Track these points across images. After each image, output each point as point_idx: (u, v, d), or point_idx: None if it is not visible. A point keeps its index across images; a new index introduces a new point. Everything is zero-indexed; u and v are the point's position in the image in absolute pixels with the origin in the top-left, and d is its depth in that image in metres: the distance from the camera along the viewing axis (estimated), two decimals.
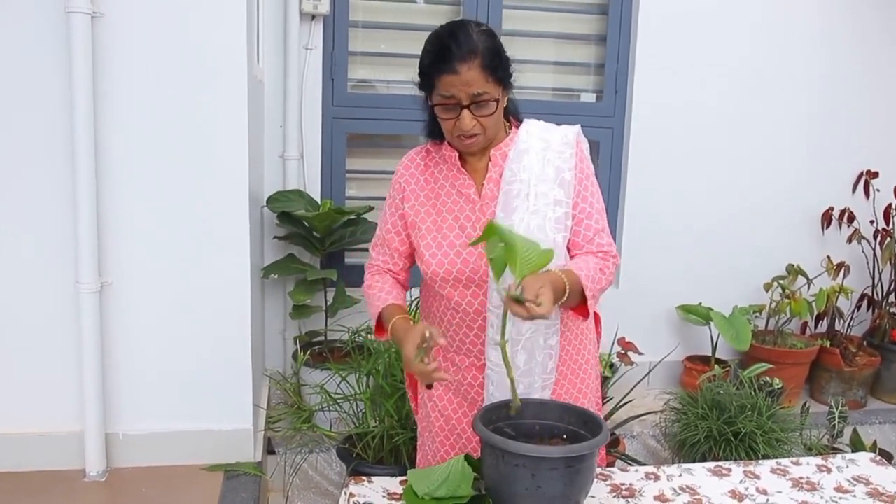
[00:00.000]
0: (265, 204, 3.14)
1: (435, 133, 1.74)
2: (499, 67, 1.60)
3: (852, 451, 2.91)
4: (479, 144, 1.67)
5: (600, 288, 1.66)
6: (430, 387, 1.72)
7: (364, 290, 1.82)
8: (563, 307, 1.64)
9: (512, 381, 1.48)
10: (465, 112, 1.59)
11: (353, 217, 3.14)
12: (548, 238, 1.63)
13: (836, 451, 2.94)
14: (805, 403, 3.15)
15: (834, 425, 2.97)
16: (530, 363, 1.70)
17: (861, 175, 3.83)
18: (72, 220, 2.35)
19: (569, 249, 1.70)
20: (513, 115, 1.76)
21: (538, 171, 1.67)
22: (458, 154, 1.72)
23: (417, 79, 1.66)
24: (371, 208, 3.18)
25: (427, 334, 1.52)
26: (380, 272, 1.82)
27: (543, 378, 1.74)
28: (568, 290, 1.55)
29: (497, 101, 1.61)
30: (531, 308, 1.40)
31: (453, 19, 1.70)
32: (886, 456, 3.13)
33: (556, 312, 1.68)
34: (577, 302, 1.63)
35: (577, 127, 1.75)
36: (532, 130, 1.72)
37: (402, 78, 3.48)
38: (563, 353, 1.77)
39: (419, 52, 1.64)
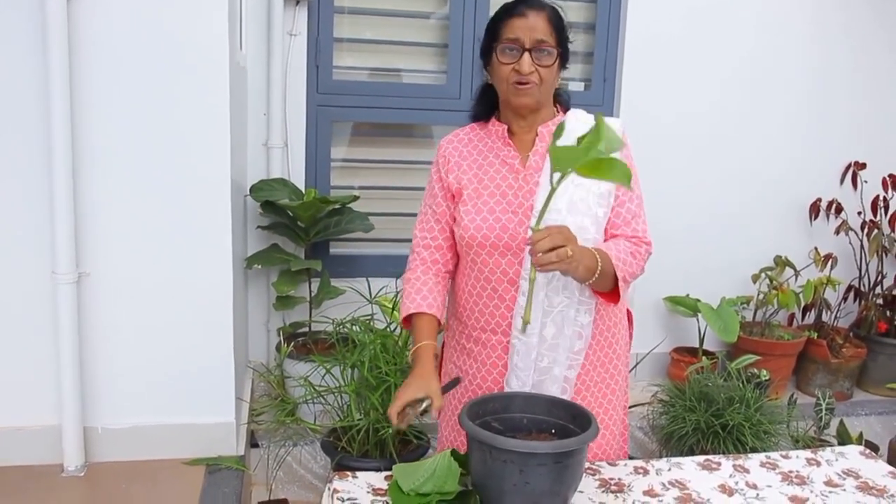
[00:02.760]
0: (248, 193, 3.08)
1: (480, 114, 1.83)
2: (562, 30, 1.70)
3: (839, 443, 2.92)
4: (532, 96, 1.71)
5: (631, 272, 1.70)
6: (399, 432, 1.75)
7: (405, 275, 1.84)
8: (592, 288, 1.68)
9: (531, 291, 1.50)
10: (527, 55, 1.66)
11: (337, 206, 3.09)
12: (590, 211, 1.70)
13: (822, 442, 2.94)
14: (792, 395, 3.15)
15: (821, 417, 2.97)
16: (558, 337, 1.72)
17: (849, 166, 3.82)
18: (48, 209, 2.29)
19: (605, 231, 1.74)
20: (561, 103, 1.83)
21: None
22: (506, 127, 1.77)
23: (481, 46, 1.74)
24: (356, 197, 3.14)
25: (430, 403, 1.59)
26: (424, 262, 1.82)
27: (570, 357, 1.75)
28: (600, 267, 1.59)
29: (557, 54, 1.68)
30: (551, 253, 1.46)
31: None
32: (872, 447, 3.14)
33: (590, 292, 1.72)
34: (608, 286, 1.66)
35: (621, 120, 1.85)
36: (580, 116, 1.78)
37: (389, 65, 3.43)
38: (594, 342, 1.78)
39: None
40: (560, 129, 1.45)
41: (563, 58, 1.72)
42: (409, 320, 1.78)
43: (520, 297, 1.70)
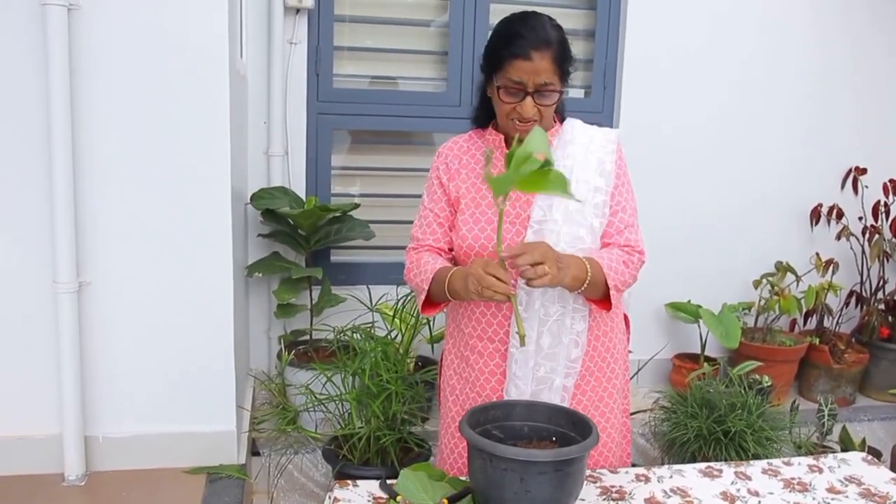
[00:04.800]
0: (249, 201, 3.09)
1: (480, 120, 1.84)
2: (566, 62, 1.69)
3: (842, 449, 2.91)
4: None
5: (623, 280, 1.71)
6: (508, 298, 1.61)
7: (407, 270, 1.81)
8: (584, 296, 1.70)
9: (515, 307, 1.52)
10: (529, 99, 1.66)
11: (338, 214, 3.09)
12: (585, 221, 1.72)
13: (825, 448, 2.93)
14: (794, 401, 3.13)
15: (823, 423, 2.96)
16: (555, 346, 1.73)
17: (849, 171, 3.82)
18: (49, 218, 2.29)
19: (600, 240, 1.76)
20: (558, 111, 1.83)
21: (581, 160, 1.75)
22: (503, 137, 1.77)
23: (482, 62, 1.74)
24: (357, 205, 3.14)
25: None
26: (427, 250, 1.82)
27: (567, 365, 1.75)
28: (589, 276, 1.62)
29: (560, 93, 1.69)
30: (526, 270, 1.49)
31: (523, 10, 1.74)
32: (875, 453, 3.13)
33: (584, 300, 1.73)
34: (600, 293, 1.68)
35: (617, 130, 1.84)
36: (577, 126, 1.81)
37: (389, 73, 3.44)
38: (591, 349, 1.79)
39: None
40: (511, 155, 1.38)
41: (566, 80, 1.71)
42: (429, 305, 1.75)
43: (517, 305, 1.70)
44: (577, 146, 1.76)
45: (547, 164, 1.33)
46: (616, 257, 1.71)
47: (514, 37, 1.65)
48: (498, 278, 1.51)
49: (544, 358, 1.73)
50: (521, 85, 1.65)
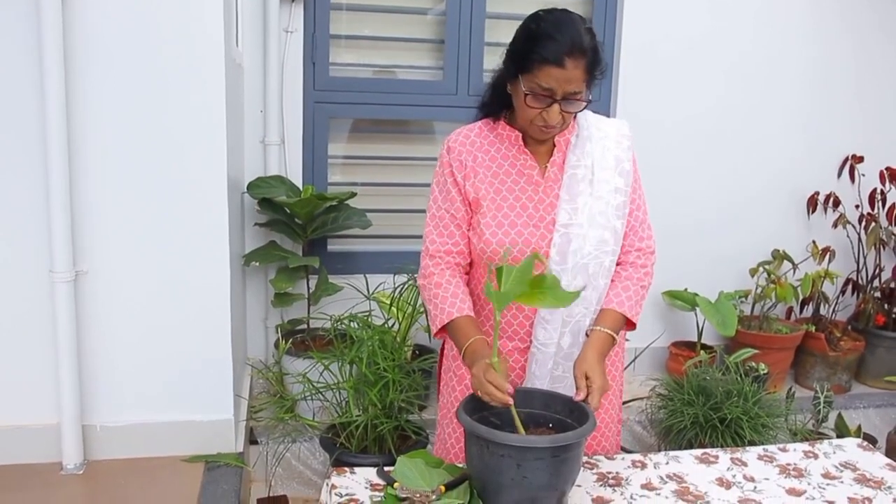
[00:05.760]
0: (245, 190, 3.08)
1: (492, 111, 1.77)
2: (597, 69, 1.62)
3: (837, 436, 2.92)
4: (553, 135, 1.70)
5: (643, 302, 1.78)
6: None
7: (425, 282, 1.74)
8: None
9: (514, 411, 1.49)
10: (556, 106, 1.60)
11: (335, 203, 3.09)
12: (609, 224, 1.71)
13: (821, 435, 2.95)
14: (790, 388, 3.14)
15: (819, 410, 2.97)
16: (573, 346, 1.73)
17: (846, 160, 3.82)
18: (45, 207, 2.29)
19: None
20: None
21: (599, 158, 1.72)
22: (521, 135, 1.73)
23: (505, 57, 1.67)
24: (354, 194, 3.13)
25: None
26: (449, 267, 1.74)
27: None
28: (616, 338, 1.71)
29: (587, 101, 1.63)
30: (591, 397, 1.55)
31: (554, 8, 1.66)
32: (871, 440, 3.15)
33: (598, 300, 1.74)
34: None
35: (627, 123, 1.81)
36: (590, 119, 1.77)
37: (386, 61, 3.43)
38: None
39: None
40: (500, 272, 1.39)
41: (591, 88, 1.66)
42: (443, 330, 1.70)
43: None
44: (594, 143, 1.73)
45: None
46: (634, 288, 1.76)
47: (547, 40, 1.56)
48: (496, 386, 1.47)
49: (563, 357, 1.73)
50: (549, 92, 1.58)
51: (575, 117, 1.75)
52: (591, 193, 1.70)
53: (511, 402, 1.47)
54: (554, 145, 1.73)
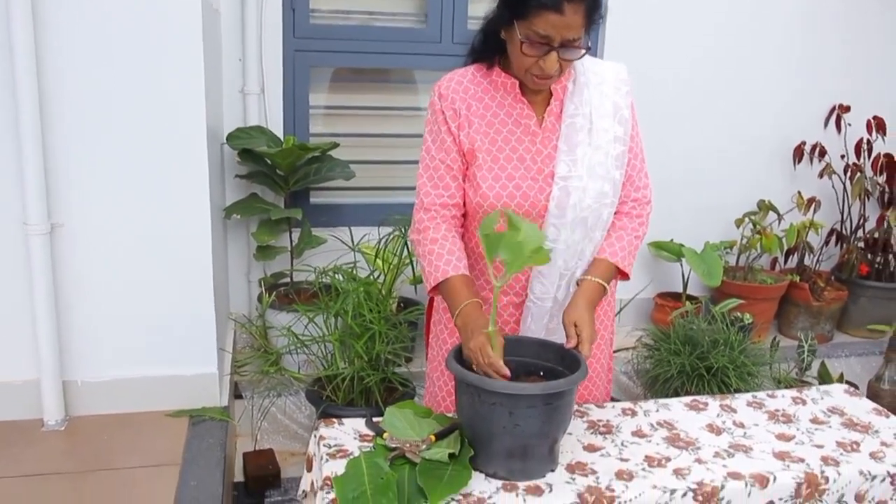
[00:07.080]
0: (225, 141, 3.00)
1: (482, 57, 1.68)
2: (596, 14, 1.55)
3: (820, 384, 2.95)
4: (549, 85, 1.64)
5: (636, 252, 1.75)
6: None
7: (420, 237, 1.68)
8: None
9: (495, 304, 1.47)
10: (554, 54, 1.53)
11: (317, 154, 3.02)
12: (608, 175, 1.66)
13: (804, 383, 2.97)
14: (775, 338, 3.17)
15: (803, 359, 3.00)
16: (567, 299, 1.70)
17: (833, 109, 3.79)
18: (16, 158, 2.21)
19: None
20: None
21: (597, 106, 1.67)
22: (518, 83, 1.66)
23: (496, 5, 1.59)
24: (336, 144, 3.06)
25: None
26: (444, 220, 1.67)
27: None
28: (608, 288, 1.68)
29: (586, 48, 1.57)
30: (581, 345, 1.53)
31: None
32: (853, 387, 3.18)
33: (594, 253, 1.72)
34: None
35: (625, 66, 1.75)
36: (587, 64, 1.70)
37: (367, 8, 3.33)
38: None
39: None
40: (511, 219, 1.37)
41: (590, 34, 1.60)
42: (437, 285, 1.64)
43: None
44: (591, 89, 1.67)
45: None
46: (628, 238, 1.72)
47: None
48: (495, 369, 1.42)
49: (559, 310, 1.69)
50: (547, 39, 1.50)
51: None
52: (589, 143, 1.65)
53: (509, 375, 1.42)
54: (551, 93, 1.68)
